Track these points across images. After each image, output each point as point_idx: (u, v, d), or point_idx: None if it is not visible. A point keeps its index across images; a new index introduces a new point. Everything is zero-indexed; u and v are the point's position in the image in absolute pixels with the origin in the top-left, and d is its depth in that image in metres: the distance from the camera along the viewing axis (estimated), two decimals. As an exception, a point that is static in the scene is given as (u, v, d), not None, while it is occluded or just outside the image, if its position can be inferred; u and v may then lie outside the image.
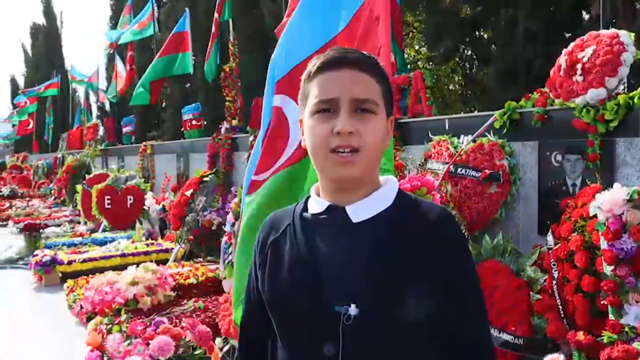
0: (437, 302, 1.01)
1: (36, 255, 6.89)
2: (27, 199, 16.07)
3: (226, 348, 3.80)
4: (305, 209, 1.13)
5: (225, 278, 5.25)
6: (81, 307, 5.07)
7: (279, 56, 2.29)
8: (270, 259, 1.11)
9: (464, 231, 3.81)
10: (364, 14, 1.95)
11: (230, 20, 8.44)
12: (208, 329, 3.68)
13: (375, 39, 1.92)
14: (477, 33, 10.39)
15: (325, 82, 1.04)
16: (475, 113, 7.47)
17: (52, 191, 15.46)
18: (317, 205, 1.10)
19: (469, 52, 11.31)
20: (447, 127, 4.83)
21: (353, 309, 0.99)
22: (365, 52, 1.09)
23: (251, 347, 1.22)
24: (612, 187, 2.78)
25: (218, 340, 3.83)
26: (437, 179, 4.29)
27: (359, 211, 1.05)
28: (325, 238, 1.06)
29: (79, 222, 10.55)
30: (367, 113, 1.03)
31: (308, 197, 1.14)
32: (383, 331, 1.00)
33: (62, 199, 14.06)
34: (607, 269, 2.59)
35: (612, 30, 3.60)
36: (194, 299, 5.00)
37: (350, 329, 0.99)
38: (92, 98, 21.44)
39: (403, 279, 1.01)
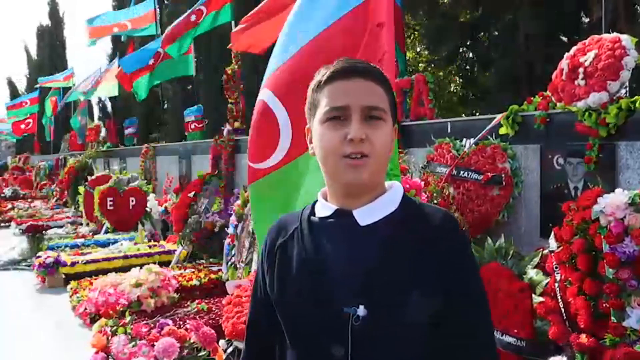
0: (442, 303, 1.04)
1: (39, 256, 6.91)
2: (29, 200, 16.08)
3: (230, 350, 3.82)
4: (312, 212, 1.16)
5: (228, 280, 5.28)
6: (85, 308, 5.09)
7: (276, 51, 2.30)
8: (278, 262, 1.14)
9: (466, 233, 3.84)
10: (359, 18, 1.95)
11: (232, 22, 8.46)
12: (212, 331, 3.70)
13: (378, 45, 1.92)
14: (477, 36, 10.43)
15: (336, 91, 1.08)
16: (478, 116, 7.50)
17: (54, 192, 15.46)
18: (324, 209, 1.13)
19: (470, 55, 11.35)
20: (449, 130, 4.86)
21: (361, 310, 1.01)
22: (371, 64, 1.13)
23: (257, 348, 1.24)
24: (613, 190, 2.80)
25: (222, 342, 3.85)
26: (439, 181, 4.32)
27: (366, 214, 1.09)
28: (332, 241, 1.09)
29: (81, 224, 10.57)
30: (376, 120, 1.07)
31: (315, 202, 1.17)
32: (391, 331, 1.03)
33: (64, 200, 14.07)
34: (609, 272, 2.61)
35: (614, 35, 3.62)
36: (197, 301, 5.02)
37: (359, 330, 1.01)
38: (94, 99, 21.40)
39: (409, 280, 1.04)
